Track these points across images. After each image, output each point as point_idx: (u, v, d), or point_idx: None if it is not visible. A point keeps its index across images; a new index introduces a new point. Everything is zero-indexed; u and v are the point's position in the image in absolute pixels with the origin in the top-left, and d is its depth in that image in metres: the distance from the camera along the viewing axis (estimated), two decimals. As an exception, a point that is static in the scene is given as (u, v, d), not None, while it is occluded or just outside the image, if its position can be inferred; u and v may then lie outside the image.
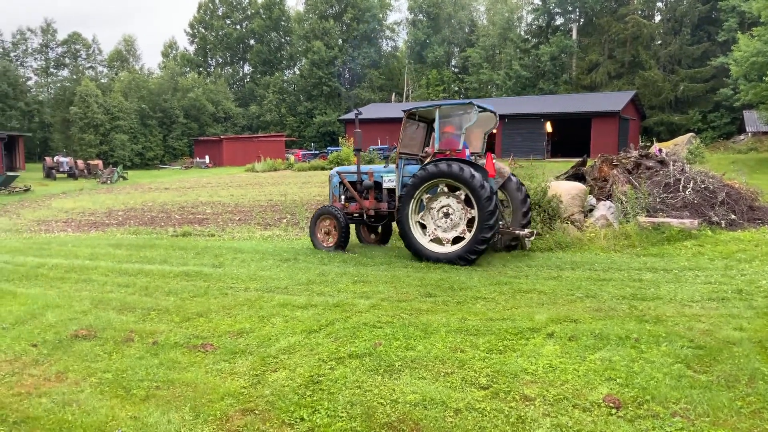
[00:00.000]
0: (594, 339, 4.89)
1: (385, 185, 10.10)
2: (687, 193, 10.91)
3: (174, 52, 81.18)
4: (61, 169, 40.78)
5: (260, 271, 8.33)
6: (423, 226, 9.15)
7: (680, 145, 26.74)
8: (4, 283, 7.84)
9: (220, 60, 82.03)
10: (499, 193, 9.68)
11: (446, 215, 9.01)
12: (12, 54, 75.04)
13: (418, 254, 8.96)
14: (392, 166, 10.05)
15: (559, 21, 61.83)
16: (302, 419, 3.75)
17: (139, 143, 59.92)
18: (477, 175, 8.50)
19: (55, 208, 21.31)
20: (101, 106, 56.66)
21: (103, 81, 71.98)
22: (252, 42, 78.30)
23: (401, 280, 7.51)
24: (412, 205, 9.09)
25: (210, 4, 78.37)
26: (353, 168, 10.58)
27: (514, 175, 9.96)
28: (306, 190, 22.41)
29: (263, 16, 76.64)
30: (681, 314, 5.60)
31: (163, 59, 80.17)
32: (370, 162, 37.19)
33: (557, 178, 13.44)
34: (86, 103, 55.59)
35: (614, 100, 40.16)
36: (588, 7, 56.07)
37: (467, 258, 8.55)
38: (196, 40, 79.80)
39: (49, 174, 39.80)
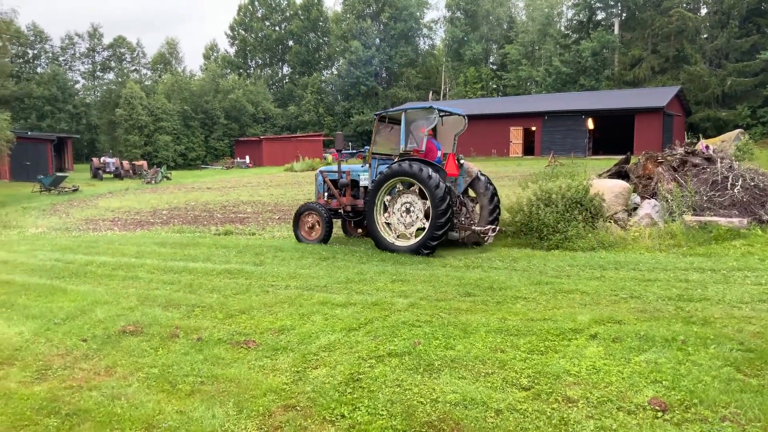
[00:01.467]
0: (639, 341, 4.78)
1: (361, 183, 10.96)
2: (735, 191, 10.54)
3: (215, 54, 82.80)
4: (108, 170, 42.04)
5: (300, 269, 8.43)
6: (388, 223, 9.96)
7: (728, 141, 25.82)
8: (56, 280, 8.14)
9: (260, 61, 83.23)
10: (470, 192, 10.77)
11: (408, 211, 9.84)
12: (61, 58, 77.92)
13: (383, 247, 9.79)
14: (368, 166, 10.73)
15: (600, 16, 60.53)
16: (343, 416, 3.78)
17: (182, 144, 61.34)
18: (434, 175, 9.20)
19: (102, 207, 22.00)
20: (145, 108, 58.22)
21: (147, 83, 73.97)
22: (290, 43, 79.19)
23: (439, 279, 7.49)
24: (377, 202, 9.94)
25: (250, 7, 79.61)
26: (335, 167, 11.34)
27: (483, 174, 10.69)
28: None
29: (301, 18, 77.45)
30: (730, 316, 5.42)
31: (204, 61, 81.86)
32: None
33: (600, 175, 13.18)
34: (131, 105, 57.22)
35: (658, 96, 39.08)
36: (631, 1, 54.73)
37: (426, 246, 9.31)
38: (236, 42, 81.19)
39: (96, 174, 41.09)
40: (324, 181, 11.52)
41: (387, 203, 9.94)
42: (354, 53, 66.98)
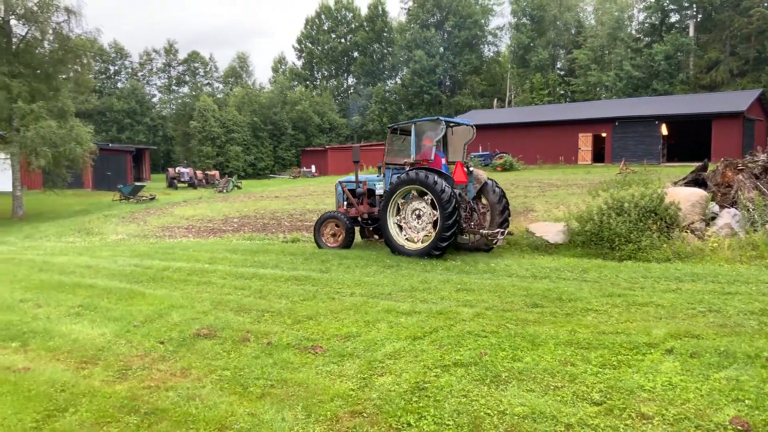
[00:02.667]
0: (719, 356, 4.54)
1: (377, 192, 11.74)
2: (828, 199, 9.84)
3: (283, 67, 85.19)
4: (182, 179, 43.93)
5: (364, 276, 8.51)
6: (400, 227, 10.66)
7: (818, 146, 24.15)
8: (135, 285, 8.56)
9: (326, 73, 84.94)
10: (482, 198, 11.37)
11: (418, 217, 10.54)
12: (139, 74, 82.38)
13: (396, 251, 10.42)
14: (383, 176, 11.55)
15: (674, 18, 58.23)
16: (409, 425, 3.78)
17: (252, 154, 63.35)
18: (440, 181, 9.87)
19: (177, 215, 22.98)
20: (217, 120, 60.56)
21: (219, 96, 76.94)
22: (355, 54, 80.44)
23: (506, 289, 7.37)
24: (390, 208, 10.62)
25: (316, 20, 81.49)
26: (353, 178, 12.14)
27: (491, 180, 11.31)
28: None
29: (366, 29, 78.55)
30: (822, 333, 5.06)
31: (273, 74, 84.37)
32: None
33: (675, 183, 12.62)
34: (204, 117, 59.67)
35: (737, 100, 37.06)
36: (707, 2, 52.31)
37: (432, 253, 9.92)
38: (303, 54, 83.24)
39: (172, 184, 43.02)
40: (343, 191, 12.28)
41: (399, 209, 10.68)
42: (418, 62, 67.28)
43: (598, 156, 40.05)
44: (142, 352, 5.45)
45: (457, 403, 4.04)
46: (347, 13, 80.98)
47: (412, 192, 10.51)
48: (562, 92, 66.41)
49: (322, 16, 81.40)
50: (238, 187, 39.07)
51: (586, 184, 20.47)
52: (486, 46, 77.61)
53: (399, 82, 76.75)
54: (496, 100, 67.85)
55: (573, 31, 69.43)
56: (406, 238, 10.57)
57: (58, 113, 26.70)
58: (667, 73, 53.40)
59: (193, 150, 61.74)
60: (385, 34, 79.12)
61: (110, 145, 48.38)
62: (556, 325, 5.69)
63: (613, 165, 34.65)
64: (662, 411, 3.72)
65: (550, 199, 17.52)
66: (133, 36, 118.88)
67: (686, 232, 9.85)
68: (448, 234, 9.80)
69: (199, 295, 7.67)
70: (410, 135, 11.07)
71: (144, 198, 31.74)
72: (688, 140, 37.92)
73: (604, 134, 39.84)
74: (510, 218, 11.25)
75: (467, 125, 11.49)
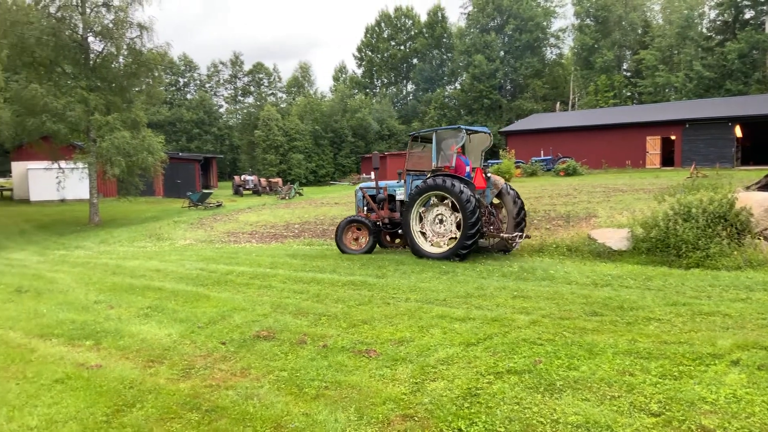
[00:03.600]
0: (791, 370, 4.31)
1: (397, 197, 12.17)
2: None
3: (343, 75, 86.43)
4: (247, 187, 45.25)
5: (420, 282, 8.55)
6: (423, 233, 11.02)
7: None
8: (200, 288, 8.93)
9: (385, 80, 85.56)
10: (497, 202, 11.75)
11: (440, 222, 10.92)
12: (207, 85, 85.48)
13: (420, 255, 10.75)
14: (403, 182, 12.02)
15: (748, 14, 55.25)
16: (460, 430, 3.79)
17: (313, 161, 64.53)
18: (460, 186, 10.28)
19: (242, 221, 23.71)
20: (281, 129, 62.08)
21: (282, 106, 78.87)
22: (414, 61, 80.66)
23: (564, 297, 7.23)
24: (413, 214, 11.01)
25: (376, 28, 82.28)
26: (372, 184, 12.59)
27: (508, 184, 11.75)
28: (467, 204, 22.46)
29: (426, 35, 78.65)
30: None
31: (333, 83, 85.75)
32: (533, 174, 36.20)
33: (747, 188, 12.02)
34: (268, 126, 61.30)
35: (821, 99, 34.81)
36: (786, -5, 49.47)
37: (458, 254, 10.32)
38: (363, 63, 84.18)
39: (237, 191, 44.39)
40: (363, 197, 12.64)
41: (422, 214, 11.08)
42: (477, 67, 66.73)
43: (667, 160, 38.51)
44: (205, 352, 5.69)
45: (509, 411, 4.02)
46: (406, 21, 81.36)
47: (433, 198, 10.90)
48: (629, 94, 64.22)
49: (382, 24, 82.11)
50: (300, 194, 39.86)
51: (654, 188, 19.74)
52: (548, 48, 76.09)
53: (458, 87, 76.36)
54: (558, 103, 66.38)
55: (639, 31, 66.98)
56: (431, 243, 10.93)
57: (131, 124, 28.11)
58: (741, 73, 50.72)
59: (257, 158, 63.50)
60: (444, 39, 78.96)
61: (180, 154, 50.44)
62: (616, 334, 5.54)
63: (683, 169, 33.23)
64: (724, 424, 3.58)
65: (614, 205, 16.99)
66: (201, 49, 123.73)
67: (759, 239, 9.35)
68: (470, 242, 10.24)
69: (260, 298, 7.92)
70: (430, 143, 11.55)
71: (211, 205, 32.89)
72: (765, 142, 35.89)
73: (673, 137, 38.28)
74: (526, 222, 11.69)
75: (485, 133, 11.91)
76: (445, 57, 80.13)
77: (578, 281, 8.30)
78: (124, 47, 28.96)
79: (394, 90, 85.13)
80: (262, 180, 47.35)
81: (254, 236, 18.34)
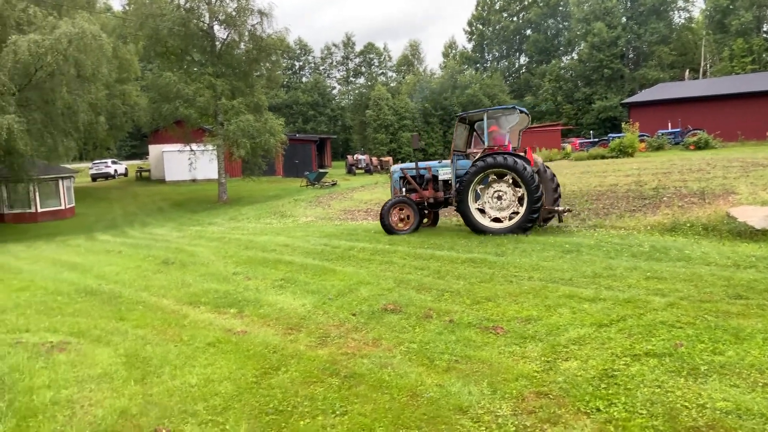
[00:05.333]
0: None
1: (440, 177, 12.38)
2: None
3: (453, 51, 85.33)
4: (360, 166, 46.35)
5: (542, 261, 8.38)
6: (481, 211, 11.33)
7: None
8: (326, 262, 9.35)
9: (497, 54, 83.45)
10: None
11: (499, 198, 11.26)
12: (321, 68, 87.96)
13: (481, 232, 11.09)
14: (445, 162, 12.43)
15: None
16: (598, 410, 3.73)
17: (422, 139, 64.65)
18: (522, 163, 10.77)
19: (356, 199, 24.35)
20: (391, 108, 62.69)
21: (392, 85, 79.50)
22: (528, 32, 77.85)
23: (703, 278, 6.79)
24: (470, 193, 11.25)
25: (488, 1, 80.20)
26: (413, 165, 12.84)
27: (545, 165, 12.08)
28: (585, 180, 21.45)
29: (540, 4, 75.53)
30: None
31: (443, 59, 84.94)
32: (659, 147, 33.88)
33: None
34: (378, 106, 62.11)
35: None
36: None
37: (524, 228, 10.83)
38: (474, 37, 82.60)
39: (350, 170, 45.60)
40: (403, 177, 12.81)
41: (479, 192, 11.36)
42: (597, 35, 63.10)
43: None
44: (338, 322, 6.00)
45: (651, 393, 3.89)
46: (520, -10, 78.57)
47: (492, 176, 11.20)
48: (771, 58, 57.94)
49: (494, -4, 79.90)
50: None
51: (803, 162, 17.79)
52: (676, 12, 70.12)
53: (575, 57, 72.74)
54: (687, 71, 61.23)
55: (786, -14, 59.94)
56: (492, 219, 11.28)
57: (254, 108, 29.69)
58: None
59: (368, 138, 64.65)
60: (560, 8, 75.37)
61: (297, 135, 52.57)
62: (765, 319, 5.15)
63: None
64: None
65: (755, 180, 15.52)
66: (316, 32, 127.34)
67: None
68: (534, 215, 10.76)
69: (383, 273, 8.17)
70: (469, 124, 12.35)
71: (327, 184, 34.07)
72: None
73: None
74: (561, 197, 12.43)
75: (525, 113, 11.98)
76: (561, 26, 76.59)
77: (717, 262, 7.74)
78: (246, 34, 30.50)
79: (506, 63, 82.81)
80: (374, 159, 48.23)
81: (369, 214, 18.78)
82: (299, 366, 4.81)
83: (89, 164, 51.18)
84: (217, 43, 30.63)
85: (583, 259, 8.33)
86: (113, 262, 11.25)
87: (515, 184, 11.03)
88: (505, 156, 10.97)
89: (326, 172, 37.59)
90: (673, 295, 6.16)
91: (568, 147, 44.32)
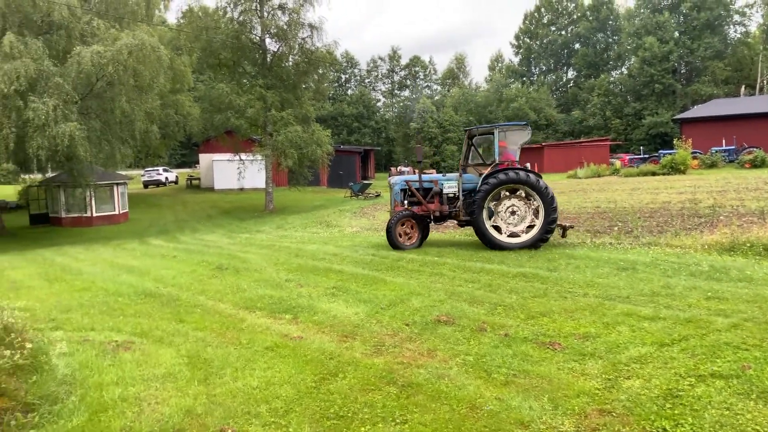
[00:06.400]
0: None
1: (445, 191, 12.26)
2: None
3: (499, 65, 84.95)
4: (403, 178, 46.45)
5: (597, 278, 8.24)
6: (497, 228, 11.30)
7: None
8: (376, 272, 9.41)
9: (544, 68, 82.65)
10: None
11: (513, 213, 11.29)
12: (366, 80, 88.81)
13: (498, 247, 11.06)
14: (450, 175, 12.51)
15: None
16: (665, 430, 3.66)
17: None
18: (535, 176, 11.09)
19: (401, 211, 24.43)
20: (435, 121, 62.78)
21: (436, 98, 79.62)
22: (577, 46, 76.91)
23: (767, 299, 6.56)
24: (485, 209, 11.25)
25: (536, 14, 79.73)
26: (416, 177, 12.53)
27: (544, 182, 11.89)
28: (636, 197, 21.01)
29: (590, 18, 74.59)
30: None
31: (489, 73, 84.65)
32: (712, 165, 32.88)
33: None
34: (423, 118, 62.30)
35: None
36: None
37: (542, 240, 11.08)
38: (521, 50, 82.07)
39: (394, 182, 45.78)
40: (405, 190, 12.45)
41: (492, 208, 11.34)
42: (648, 50, 61.83)
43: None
44: (392, 331, 6.04)
45: (719, 415, 3.80)
46: (569, 4, 77.79)
47: (504, 191, 11.25)
48: (835, 73, 55.59)
49: (542, 10, 79.33)
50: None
51: None
52: (731, 26, 68.13)
53: (625, 72, 71.40)
54: (743, 87, 59.34)
55: None
56: (508, 234, 11.27)
57: (302, 119, 30.22)
58: None
59: (412, 150, 64.85)
60: (610, 22, 74.26)
61: (342, 146, 53.14)
62: (840, 345, 4.94)
63: None
64: None
65: (819, 201, 14.92)
66: (363, 46, 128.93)
67: None
68: (552, 222, 10.97)
69: (433, 285, 8.18)
70: (477, 139, 12.40)
71: (370, 195, 34.29)
72: None
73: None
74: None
75: (525, 128, 12.14)
76: (610, 40, 75.41)
77: (784, 284, 7.45)
78: (296, 47, 31.13)
79: (553, 77, 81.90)
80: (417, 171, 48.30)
81: (415, 226, 18.81)
82: (356, 373, 4.86)
83: (141, 171, 52.93)
84: (267, 55, 31.35)
85: (639, 277, 8.15)
86: (169, 266, 11.60)
87: (527, 198, 11.22)
88: (517, 171, 11.14)
89: (370, 184, 37.83)
90: (736, 316, 5.97)
91: (617, 163, 43.43)
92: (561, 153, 54.14)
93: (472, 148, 12.64)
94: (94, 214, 29.93)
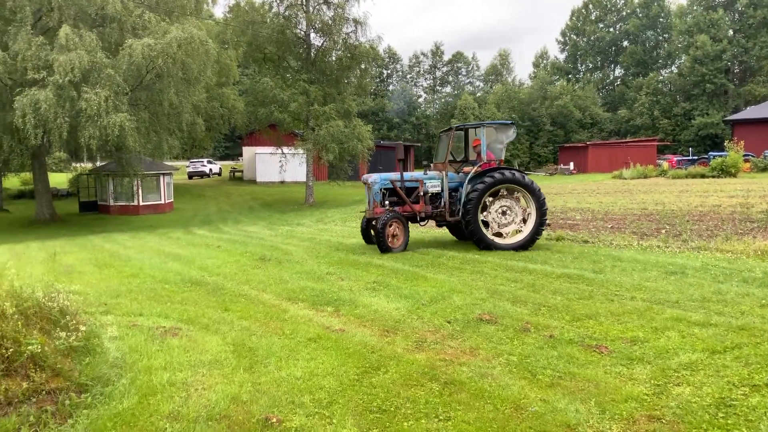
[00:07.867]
0: None
1: (429, 190, 11.87)
2: None
3: (544, 62, 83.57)
4: (443, 174, 46.23)
5: (644, 281, 8.03)
6: (485, 224, 11.18)
7: None
8: (416, 268, 9.41)
9: (590, 65, 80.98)
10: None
11: (503, 213, 11.30)
12: (408, 76, 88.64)
13: (487, 247, 11.00)
14: (432, 173, 12.06)
15: None
16: (719, 439, 3.55)
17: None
18: (530, 179, 11.21)
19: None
20: (477, 118, 62.20)
21: (479, 95, 78.90)
22: (625, 43, 75.10)
23: (828, 310, 6.27)
24: (479, 207, 11.07)
25: (583, 10, 78.14)
26: (394, 176, 11.88)
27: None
28: (685, 200, 20.40)
29: (639, 15, 72.70)
30: None
31: (533, 70, 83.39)
32: (766, 168, 31.67)
33: None
34: (464, 115, 61.86)
35: None
36: None
37: (533, 241, 11.13)
38: (567, 47, 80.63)
39: (433, 178, 45.59)
40: (388, 189, 11.80)
41: (488, 204, 11.22)
42: (700, 48, 59.88)
43: None
44: (433, 328, 6.02)
45: (776, 428, 3.65)
46: (618, 1, 75.87)
47: (502, 191, 11.23)
48: None
49: (590, 6, 77.64)
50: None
51: None
52: (791, 24, 65.40)
53: (675, 71, 69.33)
54: (802, 87, 56.92)
55: None
56: (494, 234, 11.22)
57: (344, 114, 30.40)
58: None
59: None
60: (661, 19, 72.15)
61: (382, 142, 53.22)
62: None
63: None
64: None
65: None
66: (407, 41, 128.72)
67: None
68: (543, 224, 11.14)
69: (475, 283, 8.12)
70: (461, 137, 12.38)
71: (410, 190, 34.19)
72: None
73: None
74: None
75: (511, 126, 12.23)
76: (660, 38, 73.34)
77: None
78: (340, 42, 31.31)
79: (600, 75, 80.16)
80: (457, 168, 47.94)
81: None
82: (398, 368, 4.87)
83: (186, 163, 54.15)
84: (311, 50, 31.62)
85: (689, 282, 7.91)
86: (213, 255, 11.85)
87: (516, 198, 11.33)
88: (513, 171, 11.22)
89: (409, 180, 37.75)
90: (793, 326, 5.74)
91: (665, 164, 42.20)
92: (606, 152, 52.98)
93: (461, 144, 12.69)
94: (141, 203, 30.81)
